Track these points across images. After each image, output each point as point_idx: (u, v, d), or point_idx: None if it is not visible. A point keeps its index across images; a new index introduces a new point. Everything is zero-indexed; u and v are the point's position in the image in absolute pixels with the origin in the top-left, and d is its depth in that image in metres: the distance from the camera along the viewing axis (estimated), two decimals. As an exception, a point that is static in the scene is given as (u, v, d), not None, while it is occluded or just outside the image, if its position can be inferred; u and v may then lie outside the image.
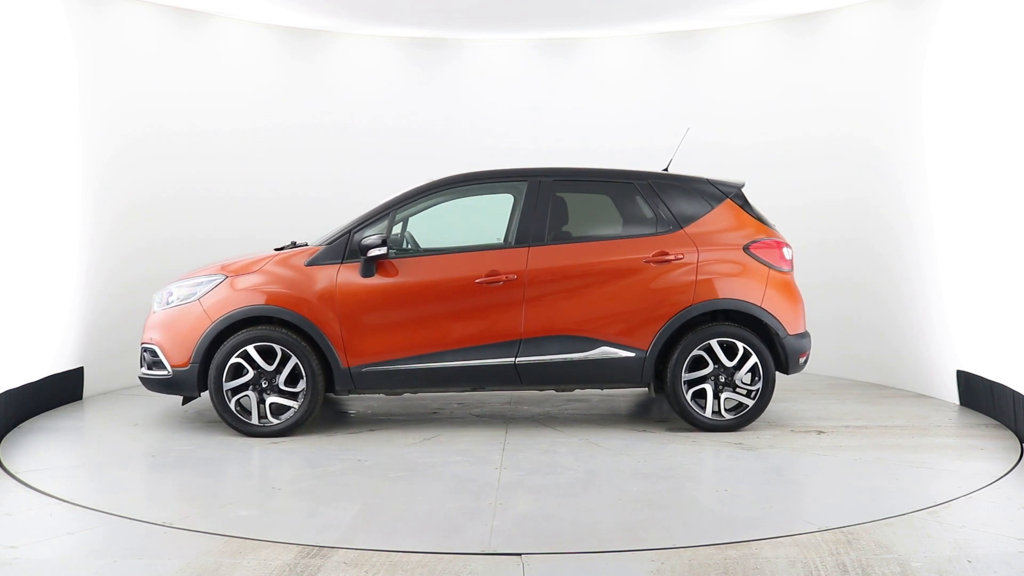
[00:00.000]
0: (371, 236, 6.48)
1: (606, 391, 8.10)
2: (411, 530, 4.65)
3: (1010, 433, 6.59)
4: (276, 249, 6.99)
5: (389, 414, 7.27)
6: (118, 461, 6.06)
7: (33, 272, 7.08)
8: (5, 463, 5.87)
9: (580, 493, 5.28)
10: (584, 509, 4.99)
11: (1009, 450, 6.18)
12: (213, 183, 9.16)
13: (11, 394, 6.69)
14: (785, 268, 6.80)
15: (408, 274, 6.56)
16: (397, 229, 6.69)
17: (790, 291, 6.76)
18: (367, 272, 6.50)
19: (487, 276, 6.54)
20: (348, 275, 6.51)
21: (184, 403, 7.04)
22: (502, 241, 6.91)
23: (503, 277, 6.53)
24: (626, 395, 8.12)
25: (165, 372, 6.56)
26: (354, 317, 6.48)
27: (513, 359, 6.54)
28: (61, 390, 7.56)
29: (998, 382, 6.82)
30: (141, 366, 6.78)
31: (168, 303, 6.68)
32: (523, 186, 6.79)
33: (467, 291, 6.52)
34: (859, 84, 8.62)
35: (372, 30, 9.82)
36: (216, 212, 9.15)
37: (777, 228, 7.06)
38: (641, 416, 7.29)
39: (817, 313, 8.77)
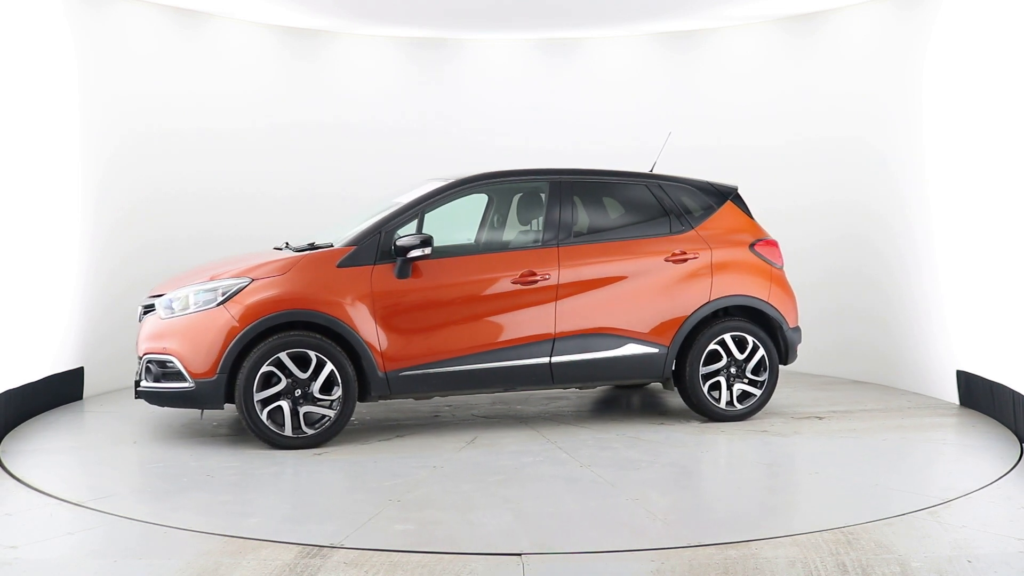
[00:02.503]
0: (408, 236, 6.35)
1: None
2: (595, 531, 4.66)
3: (1010, 433, 6.59)
4: (275, 248, 6.98)
5: (391, 420, 7.21)
6: (157, 474, 5.89)
7: (33, 272, 7.08)
8: (5, 463, 5.87)
9: (691, 484, 5.63)
10: (722, 498, 5.37)
11: (1009, 450, 6.18)
12: (213, 183, 9.16)
13: (11, 394, 6.69)
14: (781, 265, 7.22)
15: (443, 275, 6.46)
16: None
17: (787, 287, 7.21)
18: (403, 273, 6.35)
19: (523, 276, 6.56)
20: (383, 276, 6.33)
21: (202, 414, 6.87)
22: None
23: (539, 276, 6.56)
24: (595, 390, 8.16)
25: (186, 384, 6.12)
26: (391, 320, 6.31)
27: (548, 358, 6.59)
28: (61, 390, 7.56)
29: (998, 382, 6.82)
30: (144, 379, 6.35)
31: (184, 309, 6.25)
32: (544, 185, 6.89)
33: (503, 291, 6.53)
34: (859, 84, 8.61)
35: (372, 30, 9.82)
36: (216, 211, 9.14)
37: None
38: (634, 409, 7.34)
39: (817, 313, 8.78)
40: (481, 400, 7.74)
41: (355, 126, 9.87)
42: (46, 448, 6.33)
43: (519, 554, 4.32)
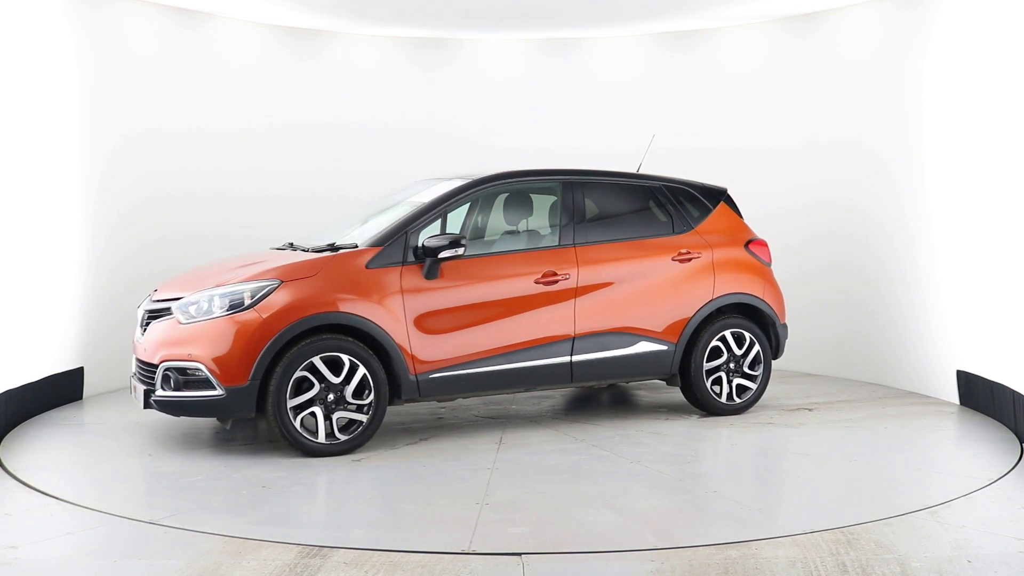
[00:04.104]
0: (438, 236, 6.32)
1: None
2: (705, 526, 4.78)
3: (1010, 433, 6.59)
4: (275, 249, 6.96)
5: (399, 424, 7.11)
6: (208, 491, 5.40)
7: (33, 272, 7.08)
8: (5, 463, 5.86)
9: (753, 476, 5.85)
10: (792, 489, 5.62)
11: (1009, 450, 6.18)
12: (213, 182, 9.16)
13: (11, 394, 6.69)
14: (770, 263, 7.48)
15: (469, 276, 6.43)
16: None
17: (776, 285, 7.48)
18: (432, 274, 6.30)
19: (544, 276, 6.61)
20: (412, 277, 6.24)
21: (226, 424, 6.52)
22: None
23: (559, 276, 6.64)
24: (567, 389, 8.20)
25: (215, 392, 5.81)
26: (422, 322, 6.23)
27: (569, 358, 6.67)
28: (61, 390, 7.56)
29: (998, 382, 6.82)
30: (161, 388, 5.96)
31: (207, 313, 5.93)
32: (557, 185, 6.97)
33: (528, 291, 6.57)
34: (859, 85, 8.61)
35: (372, 30, 9.82)
36: (216, 211, 9.14)
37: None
38: (625, 404, 7.37)
39: (817, 313, 8.78)
40: (474, 402, 7.74)
41: (355, 126, 9.87)
42: (46, 448, 6.31)
43: (519, 554, 4.32)
